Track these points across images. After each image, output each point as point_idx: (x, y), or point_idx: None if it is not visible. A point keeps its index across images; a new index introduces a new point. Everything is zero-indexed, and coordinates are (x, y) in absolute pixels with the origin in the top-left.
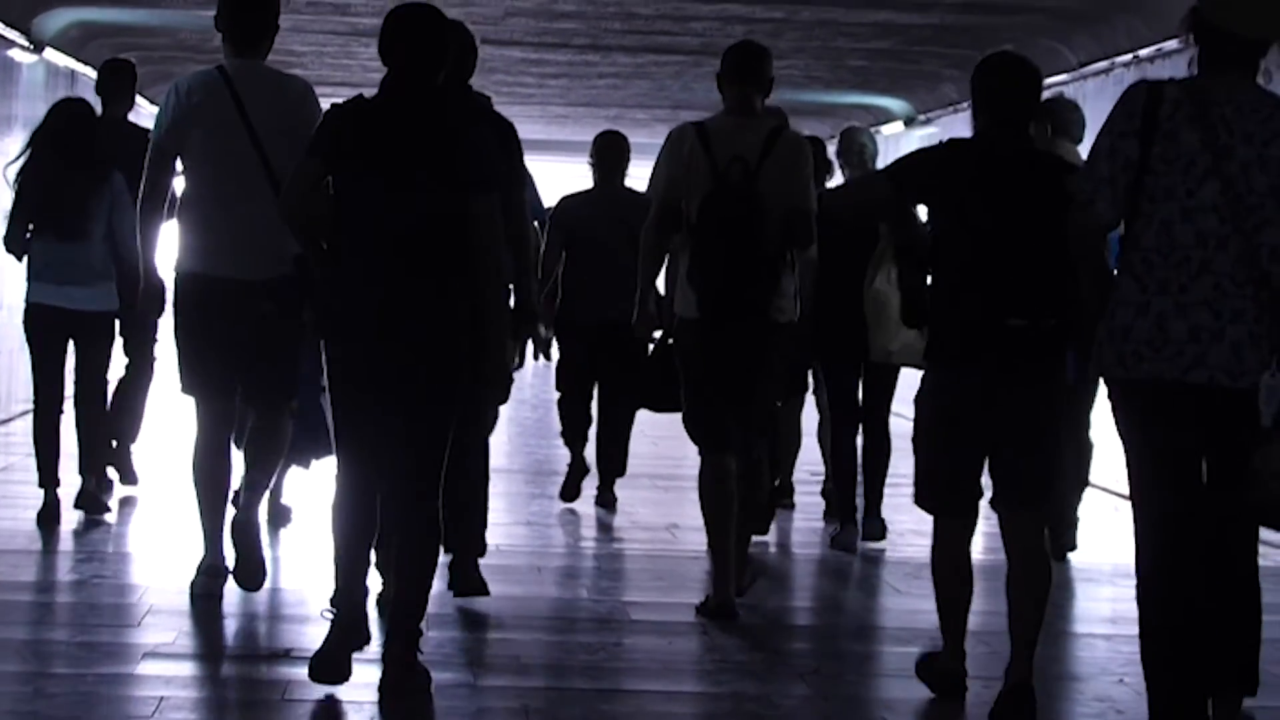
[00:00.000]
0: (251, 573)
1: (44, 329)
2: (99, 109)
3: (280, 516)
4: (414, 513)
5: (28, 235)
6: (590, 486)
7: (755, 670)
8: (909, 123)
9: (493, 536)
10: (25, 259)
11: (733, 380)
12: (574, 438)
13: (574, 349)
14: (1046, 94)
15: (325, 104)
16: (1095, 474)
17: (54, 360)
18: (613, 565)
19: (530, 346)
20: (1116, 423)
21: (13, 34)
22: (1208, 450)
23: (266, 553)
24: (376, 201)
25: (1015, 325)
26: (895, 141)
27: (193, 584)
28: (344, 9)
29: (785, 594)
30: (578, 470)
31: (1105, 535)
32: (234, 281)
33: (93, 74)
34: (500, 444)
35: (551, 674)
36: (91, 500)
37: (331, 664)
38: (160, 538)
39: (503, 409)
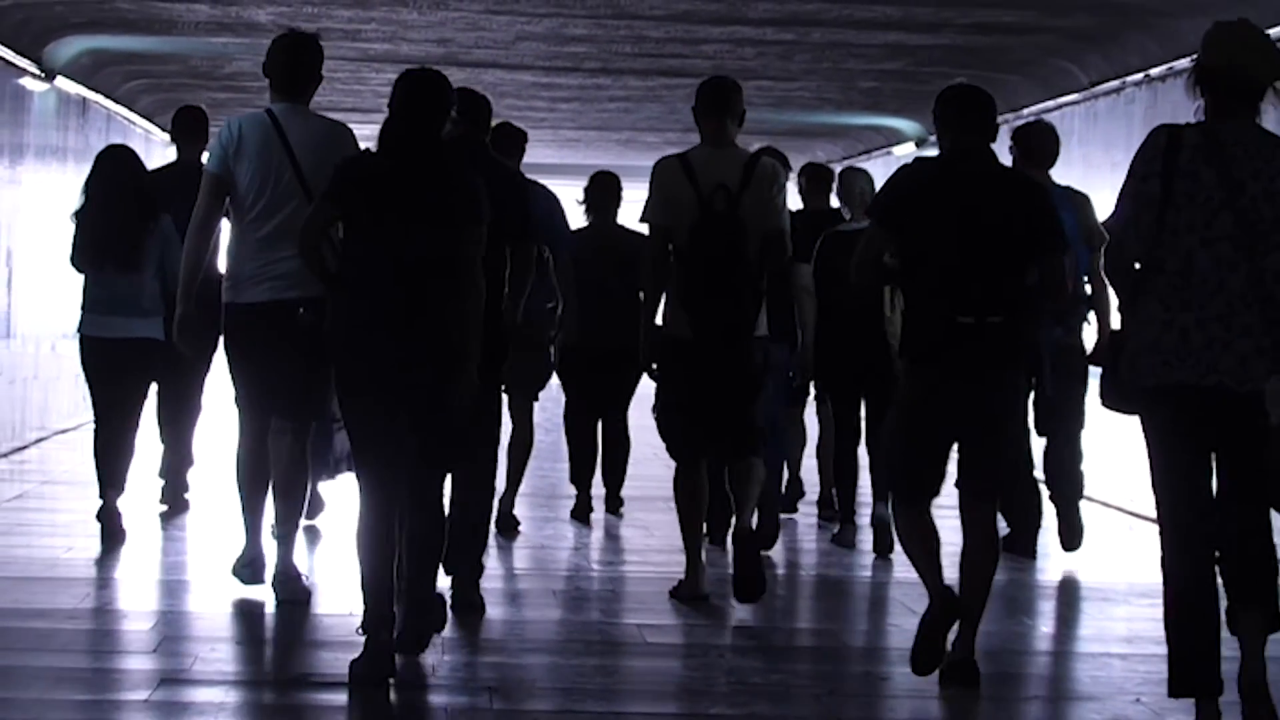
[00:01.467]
0: (296, 598)
1: (95, 360)
2: (175, 153)
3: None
4: (423, 506)
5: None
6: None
7: (771, 692)
8: (920, 143)
9: (506, 560)
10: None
11: (725, 392)
12: (580, 477)
13: (574, 373)
14: (1046, 115)
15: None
16: (1110, 494)
17: (106, 389)
18: (627, 588)
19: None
20: (1144, 426)
21: (24, 63)
22: (1221, 447)
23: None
24: (380, 238)
25: (964, 322)
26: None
27: (236, 573)
28: (354, 35)
29: (800, 616)
30: (584, 504)
31: (1120, 555)
32: (275, 304)
33: (105, 102)
34: None
35: (566, 697)
36: (111, 518)
37: (374, 673)
38: (175, 565)
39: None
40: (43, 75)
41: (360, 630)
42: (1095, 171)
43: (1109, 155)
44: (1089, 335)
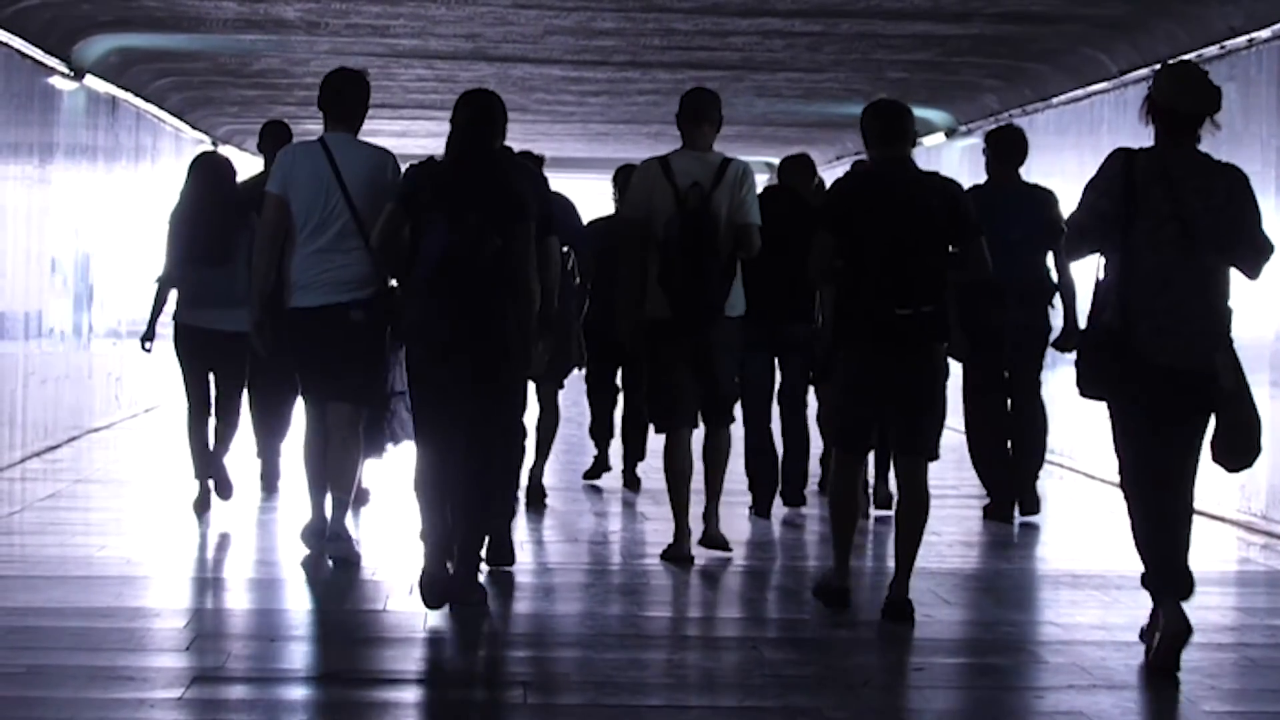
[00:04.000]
0: (347, 557)
1: (188, 346)
2: (262, 164)
3: (359, 499)
4: (478, 472)
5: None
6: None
7: (806, 684)
8: (950, 134)
9: (538, 554)
10: (176, 289)
11: (701, 366)
12: (599, 436)
13: (598, 349)
14: (1076, 104)
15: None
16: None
17: (198, 373)
18: (660, 581)
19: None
20: (1109, 401)
21: (53, 61)
22: (1168, 412)
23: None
24: (442, 237)
25: (902, 313)
26: (937, 153)
27: (302, 538)
28: (383, 30)
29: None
30: (601, 463)
31: None
32: (330, 308)
33: (134, 100)
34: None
35: (600, 691)
36: (220, 480)
37: (435, 593)
38: (208, 562)
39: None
40: (71, 74)
41: (424, 558)
42: (1022, 174)
43: (1138, 144)
44: (1054, 319)
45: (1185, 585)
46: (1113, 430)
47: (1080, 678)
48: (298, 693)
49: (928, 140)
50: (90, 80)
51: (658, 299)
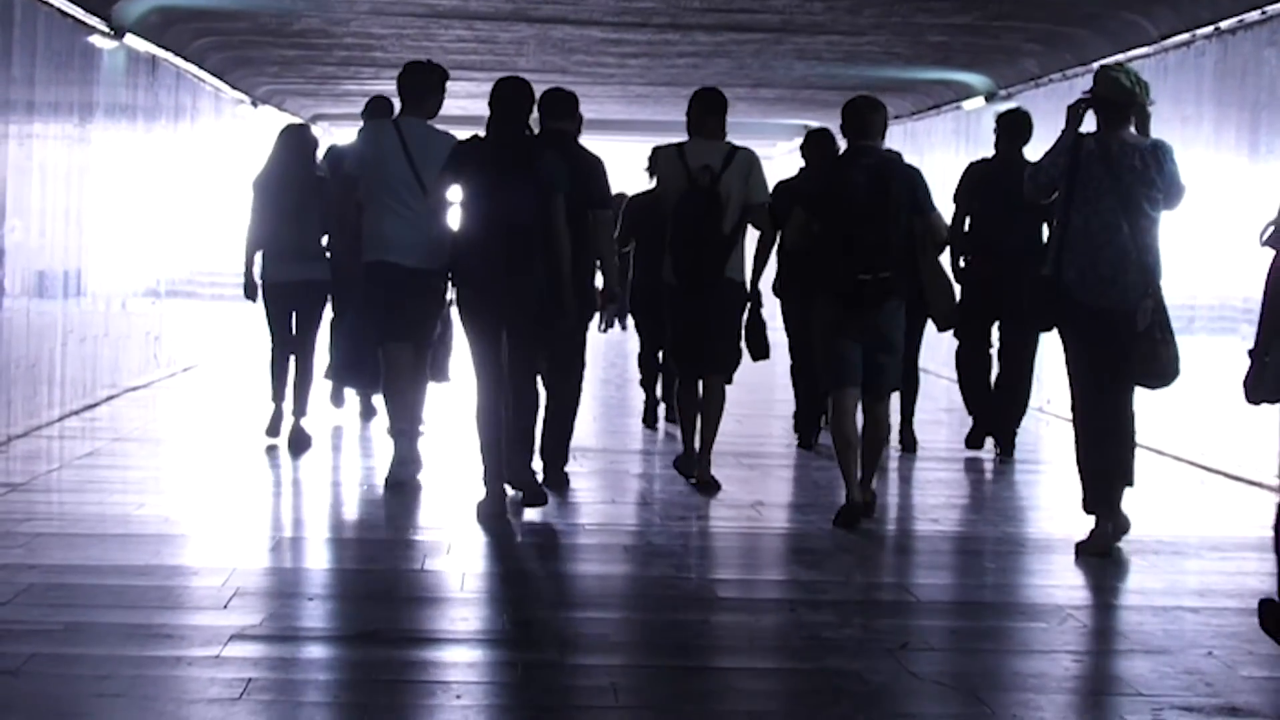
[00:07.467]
0: (413, 478)
1: (273, 298)
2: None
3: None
4: (521, 392)
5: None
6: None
7: (844, 647)
8: (990, 98)
9: (576, 515)
10: (261, 246)
11: (705, 324)
12: (647, 384)
13: (645, 310)
14: (1061, 83)
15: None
16: (1182, 448)
17: (282, 320)
18: (699, 543)
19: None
20: (1061, 336)
21: (94, 20)
22: (1110, 346)
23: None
24: (485, 201)
25: (863, 278)
26: (976, 116)
27: (388, 476)
28: None
29: (873, 570)
30: (651, 407)
31: (1192, 509)
32: (402, 268)
33: (174, 59)
34: (584, 423)
35: (639, 652)
36: (299, 436)
37: (492, 515)
38: (246, 521)
39: (585, 391)
40: (112, 33)
41: (483, 481)
42: (1164, 125)
43: (1178, 110)
44: None
45: (1111, 507)
46: (1065, 366)
47: (1118, 642)
48: (335, 651)
49: (967, 104)
50: (130, 39)
51: (667, 264)
